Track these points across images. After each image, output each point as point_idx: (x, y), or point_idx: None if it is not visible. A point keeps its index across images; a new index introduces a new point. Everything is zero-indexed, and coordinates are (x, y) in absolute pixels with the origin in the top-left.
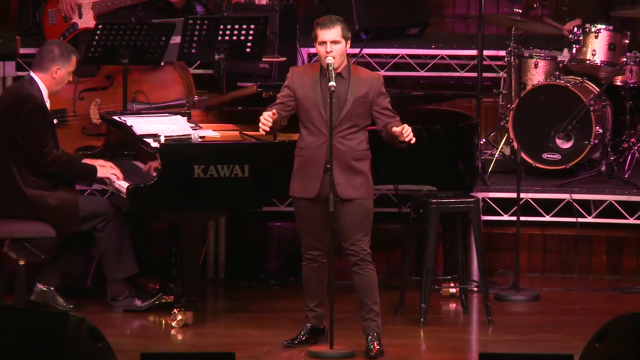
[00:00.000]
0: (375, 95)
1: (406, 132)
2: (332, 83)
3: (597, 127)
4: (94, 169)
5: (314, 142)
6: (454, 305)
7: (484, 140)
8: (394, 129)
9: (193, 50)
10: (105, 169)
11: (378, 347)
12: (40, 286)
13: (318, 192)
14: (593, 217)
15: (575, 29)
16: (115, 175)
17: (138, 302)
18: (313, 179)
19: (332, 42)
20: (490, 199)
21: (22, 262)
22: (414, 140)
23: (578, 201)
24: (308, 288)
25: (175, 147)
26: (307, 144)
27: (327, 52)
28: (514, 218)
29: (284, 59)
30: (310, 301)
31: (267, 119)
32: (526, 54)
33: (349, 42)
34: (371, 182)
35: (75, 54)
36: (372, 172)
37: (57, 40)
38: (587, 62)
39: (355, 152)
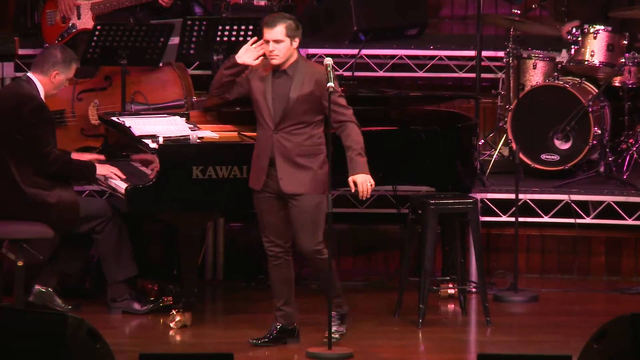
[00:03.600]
0: (322, 90)
1: (361, 194)
2: (331, 84)
3: (596, 128)
4: (93, 167)
5: (263, 135)
6: (453, 306)
7: (482, 141)
8: (351, 180)
9: (191, 51)
10: (105, 167)
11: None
12: (38, 287)
13: (264, 183)
14: (592, 218)
15: (574, 30)
16: (115, 173)
17: (137, 306)
18: (261, 171)
19: (275, 41)
20: (489, 199)
21: (20, 263)
22: (367, 196)
23: (577, 202)
24: (273, 286)
25: (174, 148)
26: (258, 137)
27: (270, 51)
28: (513, 219)
29: None
30: (277, 300)
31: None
32: (525, 55)
33: (296, 40)
34: (321, 177)
35: (76, 62)
36: (371, 173)
37: (61, 45)
38: (586, 62)
39: (301, 147)
